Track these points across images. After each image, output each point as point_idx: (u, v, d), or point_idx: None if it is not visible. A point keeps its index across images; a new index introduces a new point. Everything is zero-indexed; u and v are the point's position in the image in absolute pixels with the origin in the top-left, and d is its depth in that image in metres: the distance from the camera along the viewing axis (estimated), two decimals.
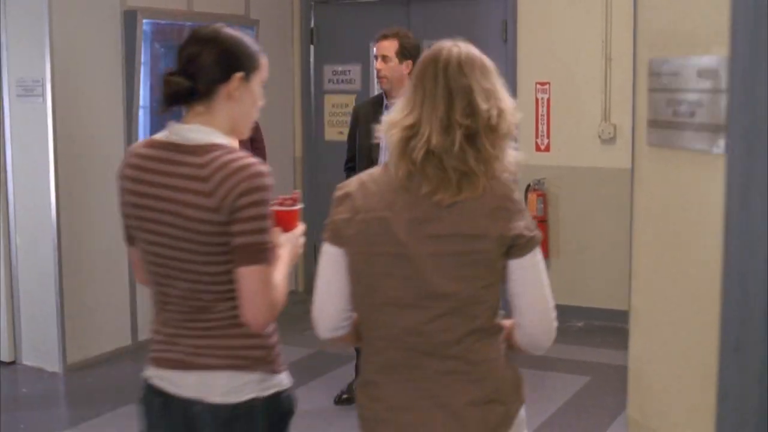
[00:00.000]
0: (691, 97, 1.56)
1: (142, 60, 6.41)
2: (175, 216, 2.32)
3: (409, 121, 2.26)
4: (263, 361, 2.43)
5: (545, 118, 7.00)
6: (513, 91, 7.74)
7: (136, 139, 6.37)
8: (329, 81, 7.84)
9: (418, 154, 2.23)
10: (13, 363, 6.17)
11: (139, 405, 2.58)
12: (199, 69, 2.36)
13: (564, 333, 7.24)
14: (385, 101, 4.98)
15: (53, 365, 6.02)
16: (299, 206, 2.53)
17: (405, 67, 4.85)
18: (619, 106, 6.69)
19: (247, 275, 2.29)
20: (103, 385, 5.78)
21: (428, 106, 2.25)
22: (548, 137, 7.01)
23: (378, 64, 4.89)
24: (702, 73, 1.53)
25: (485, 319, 2.27)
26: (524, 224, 2.24)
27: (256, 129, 4.94)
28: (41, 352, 6.08)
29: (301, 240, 2.54)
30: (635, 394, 1.77)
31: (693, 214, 1.57)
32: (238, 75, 2.39)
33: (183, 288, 2.39)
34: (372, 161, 4.90)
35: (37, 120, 5.90)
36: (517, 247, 2.22)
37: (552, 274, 7.16)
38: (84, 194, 6.06)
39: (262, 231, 2.31)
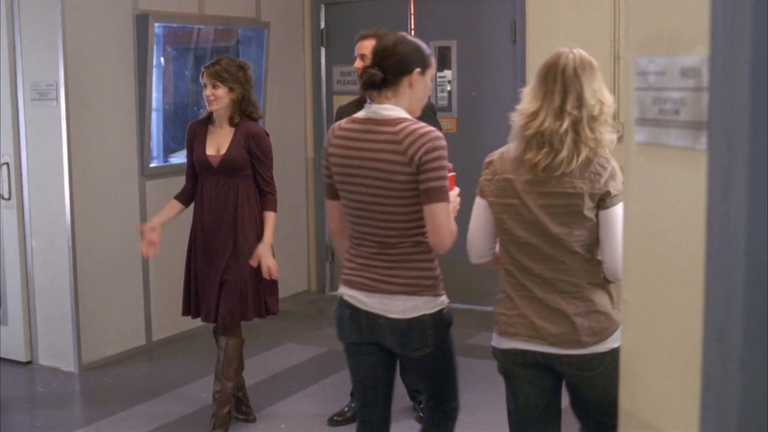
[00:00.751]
0: (676, 95, 1.61)
1: (154, 63, 6.49)
2: (377, 170, 3.19)
3: (533, 108, 3.05)
4: (430, 288, 3.28)
5: None
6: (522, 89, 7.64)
7: (149, 141, 6.44)
8: (338, 82, 7.90)
9: (530, 132, 3.02)
10: (29, 363, 6.26)
11: (333, 314, 3.46)
12: (390, 65, 3.25)
13: None
14: (368, 101, 4.98)
15: (68, 365, 6.10)
16: (454, 173, 3.32)
17: None
18: (627, 105, 6.71)
19: (434, 210, 3.15)
20: (117, 385, 5.86)
21: (548, 99, 3.02)
22: None
23: (357, 64, 4.86)
24: (685, 72, 1.58)
25: (585, 252, 3.05)
26: (613, 184, 3.01)
27: (258, 139, 4.87)
28: (57, 352, 6.16)
29: (458, 199, 3.38)
30: (627, 385, 1.82)
31: (678, 209, 1.62)
32: (417, 70, 3.27)
33: (375, 227, 3.25)
34: None
35: (51, 123, 5.97)
36: (604, 201, 3.00)
37: None
38: (98, 196, 6.14)
39: (443, 178, 3.16)
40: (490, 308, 7.22)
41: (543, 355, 3.12)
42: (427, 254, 3.27)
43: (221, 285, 4.83)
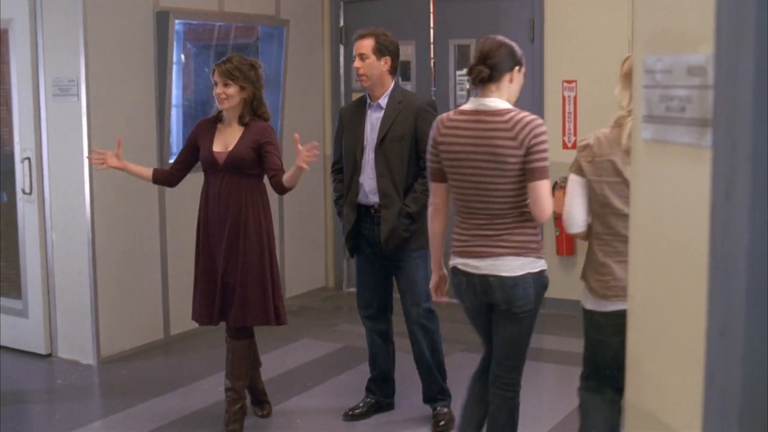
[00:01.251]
0: (682, 93, 1.63)
1: (174, 59, 6.54)
2: (489, 153, 3.74)
3: None
4: (534, 251, 3.83)
5: (572, 115, 7.05)
6: (540, 89, 7.73)
7: (168, 137, 6.49)
8: (357, 80, 7.92)
9: None
10: (49, 355, 6.32)
11: (450, 284, 4.06)
12: (494, 64, 3.80)
13: None
14: (368, 101, 4.99)
15: (87, 358, 6.16)
16: None
17: (384, 63, 4.86)
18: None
19: (538, 186, 3.70)
20: (135, 378, 5.91)
21: None
22: (575, 135, 7.05)
23: (356, 63, 4.89)
24: (691, 70, 1.60)
25: None
26: None
27: (265, 132, 4.83)
28: (76, 345, 6.22)
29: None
30: (632, 379, 1.84)
31: (683, 205, 1.64)
32: (516, 68, 3.86)
33: (485, 202, 3.80)
34: (356, 163, 4.94)
35: (72, 118, 6.03)
36: None
37: (579, 271, 7.04)
38: (117, 191, 6.19)
39: (546, 159, 3.71)
40: None
41: None
42: (530, 222, 3.83)
43: (223, 287, 4.79)
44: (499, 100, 3.80)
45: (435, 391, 5.05)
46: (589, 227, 3.71)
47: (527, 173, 3.71)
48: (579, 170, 3.68)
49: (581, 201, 3.69)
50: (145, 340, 6.48)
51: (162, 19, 6.37)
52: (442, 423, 4.99)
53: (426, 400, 5.09)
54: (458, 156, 3.82)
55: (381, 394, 5.23)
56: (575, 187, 3.70)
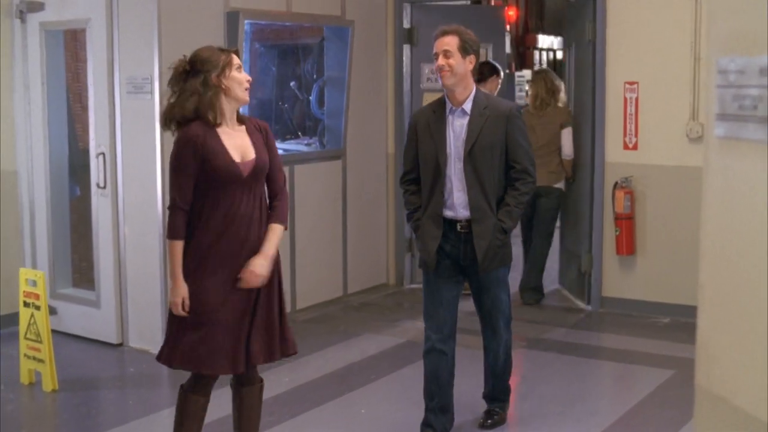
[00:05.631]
0: (754, 92, 1.73)
1: (244, 58, 6.70)
2: None
3: None
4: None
5: (633, 117, 7.10)
6: (602, 90, 7.78)
7: None
8: (428, 79, 8.04)
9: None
10: (120, 345, 6.53)
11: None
12: None
13: (650, 328, 7.25)
14: (448, 105, 4.64)
15: (157, 347, 6.28)
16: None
17: (468, 62, 4.55)
18: (708, 103, 6.74)
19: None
20: None
21: None
22: (636, 136, 7.11)
23: (440, 60, 4.52)
24: (763, 71, 1.70)
25: None
26: None
27: (269, 133, 4.27)
28: (146, 335, 6.41)
29: None
30: (702, 363, 1.94)
31: (753, 199, 1.74)
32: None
33: None
34: (439, 170, 4.58)
35: (146, 115, 6.22)
36: None
37: (639, 270, 7.14)
38: None
39: None
40: (554, 304, 7.37)
41: None
42: None
43: (253, 323, 4.10)
44: None
45: (498, 391, 5.07)
46: None
47: None
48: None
49: None
50: None
51: (232, 19, 6.54)
52: (490, 422, 5.01)
53: (488, 397, 5.10)
54: None
55: (441, 428, 4.82)
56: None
